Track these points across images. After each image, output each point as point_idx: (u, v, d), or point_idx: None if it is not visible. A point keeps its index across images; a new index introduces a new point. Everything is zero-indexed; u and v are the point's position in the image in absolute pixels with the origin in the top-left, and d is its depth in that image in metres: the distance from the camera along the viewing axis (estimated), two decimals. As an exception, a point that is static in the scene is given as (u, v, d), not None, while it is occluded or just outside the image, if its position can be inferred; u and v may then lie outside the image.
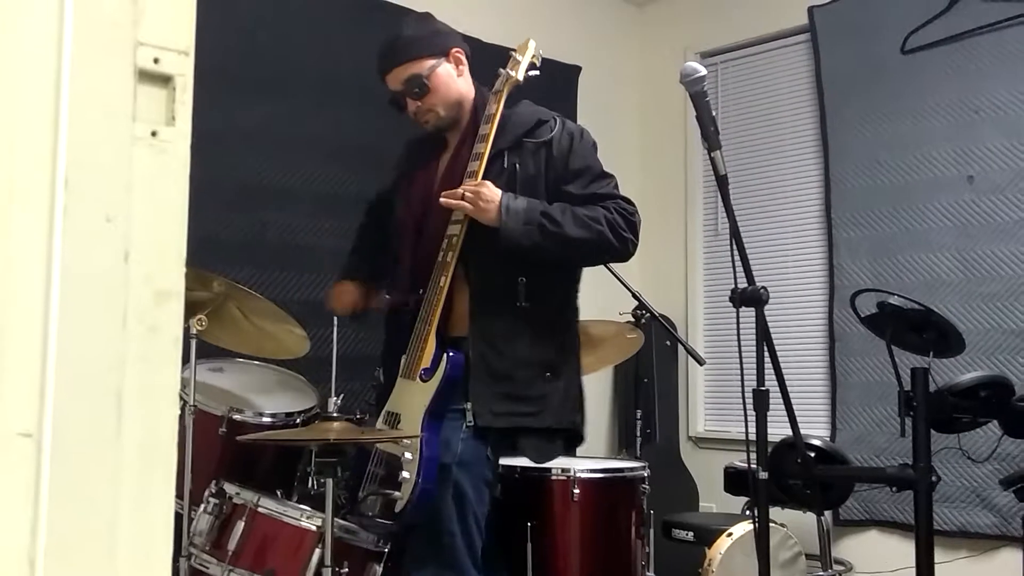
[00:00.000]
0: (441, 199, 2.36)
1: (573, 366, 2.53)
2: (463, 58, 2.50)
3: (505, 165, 2.40)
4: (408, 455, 2.25)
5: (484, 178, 2.37)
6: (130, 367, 0.71)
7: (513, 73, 2.43)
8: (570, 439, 2.54)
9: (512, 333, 2.37)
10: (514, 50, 2.48)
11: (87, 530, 0.68)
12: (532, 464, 2.80)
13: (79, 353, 0.69)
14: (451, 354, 2.31)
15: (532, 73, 2.46)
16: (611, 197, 2.42)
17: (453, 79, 2.47)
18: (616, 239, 2.37)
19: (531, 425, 2.39)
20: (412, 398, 2.33)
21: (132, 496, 0.70)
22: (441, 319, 2.35)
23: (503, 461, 2.59)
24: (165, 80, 0.75)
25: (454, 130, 2.52)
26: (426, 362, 2.32)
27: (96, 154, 0.71)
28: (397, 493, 2.25)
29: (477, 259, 2.38)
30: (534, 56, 2.47)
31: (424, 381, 2.32)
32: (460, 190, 2.34)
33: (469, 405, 2.31)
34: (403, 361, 2.41)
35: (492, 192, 2.32)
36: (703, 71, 2.27)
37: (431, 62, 2.43)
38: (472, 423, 2.31)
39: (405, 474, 2.24)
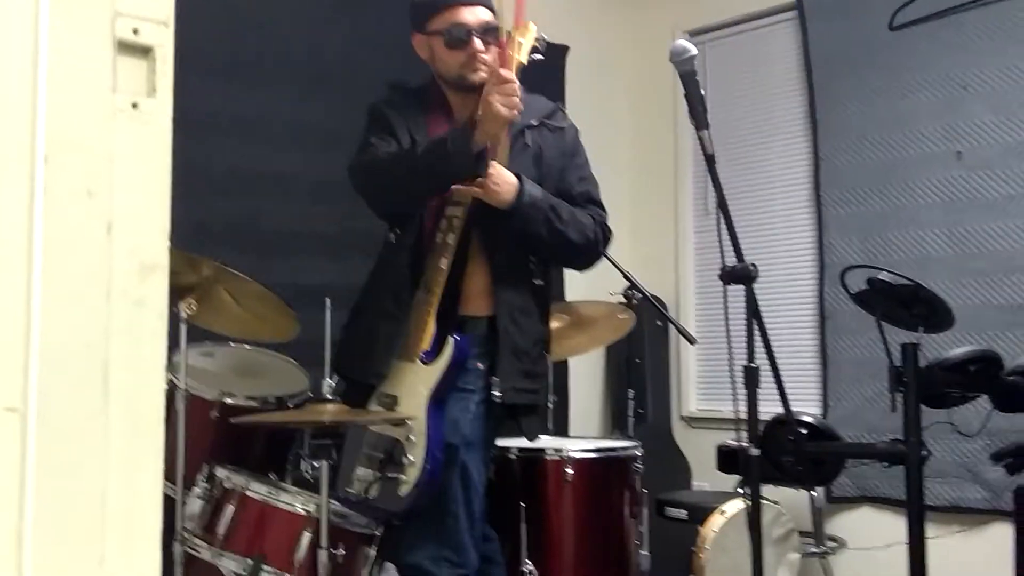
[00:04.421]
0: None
1: None
2: None
3: (529, 143, 2.42)
4: (412, 438, 2.23)
5: (508, 153, 2.38)
6: (115, 340, 0.70)
7: (517, 56, 2.37)
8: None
9: (528, 310, 2.42)
10: (509, 31, 2.41)
11: (76, 503, 0.68)
12: (527, 445, 2.80)
13: (63, 327, 0.69)
14: (457, 338, 2.29)
15: (536, 57, 2.39)
16: (597, 204, 2.51)
17: None
18: (591, 251, 2.50)
19: (538, 402, 2.49)
20: (411, 380, 2.29)
21: (121, 469, 0.70)
22: (451, 298, 2.33)
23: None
24: (145, 51, 0.74)
25: (468, 97, 2.40)
26: (426, 344, 2.28)
27: (76, 127, 0.70)
28: (403, 476, 2.22)
29: (494, 238, 2.38)
30: (536, 39, 2.40)
31: (425, 364, 2.28)
32: None
33: (497, 380, 2.32)
34: (398, 342, 2.34)
35: (506, 175, 2.30)
36: (694, 50, 2.24)
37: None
38: (500, 397, 2.31)
39: (410, 457, 2.22)
